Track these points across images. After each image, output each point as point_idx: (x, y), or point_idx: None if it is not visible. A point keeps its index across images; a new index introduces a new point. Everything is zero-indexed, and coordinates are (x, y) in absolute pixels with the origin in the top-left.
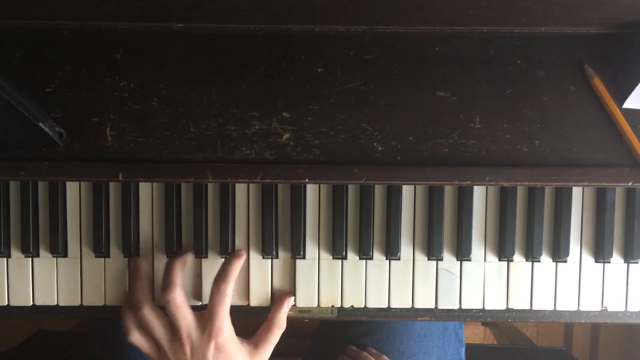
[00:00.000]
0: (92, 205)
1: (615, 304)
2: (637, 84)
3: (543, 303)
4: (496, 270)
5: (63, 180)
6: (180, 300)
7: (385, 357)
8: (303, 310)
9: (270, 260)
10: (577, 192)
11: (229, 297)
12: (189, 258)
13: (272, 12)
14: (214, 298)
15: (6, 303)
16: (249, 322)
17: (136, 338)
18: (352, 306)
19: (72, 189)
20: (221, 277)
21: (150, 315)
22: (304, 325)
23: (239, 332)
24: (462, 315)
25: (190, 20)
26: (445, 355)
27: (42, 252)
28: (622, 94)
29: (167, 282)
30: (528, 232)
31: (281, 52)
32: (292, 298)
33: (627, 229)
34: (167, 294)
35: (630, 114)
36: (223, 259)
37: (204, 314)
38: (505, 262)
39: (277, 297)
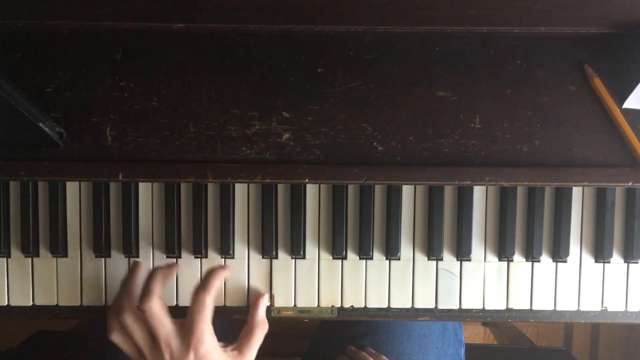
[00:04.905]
0: (92, 205)
1: (615, 304)
2: (637, 84)
3: (543, 303)
4: (496, 270)
5: (63, 180)
6: (156, 310)
7: (384, 357)
8: (303, 310)
9: (270, 260)
10: (577, 192)
11: (209, 307)
12: (175, 271)
13: (272, 12)
14: (194, 307)
15: (6, 303)
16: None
17: (117, 338)
18: (352, 306)
19: (72, 189)
20: (202, 287)
21: (130, 320)
22: (304, 325)
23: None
24: (462, 315)
25: (190, 20)
26: (444, 356)
27: (42, 252)
28: (622, 94)
29: (145, 291)
30: (528, 232)
31: (281, 52)
32: (267, 296)
33: (627, 229)
34: (143, 303)
35: (630, 114)
36: (223, 259)
37: (185, 322)
38: (505, 262)
39: (281, 298)
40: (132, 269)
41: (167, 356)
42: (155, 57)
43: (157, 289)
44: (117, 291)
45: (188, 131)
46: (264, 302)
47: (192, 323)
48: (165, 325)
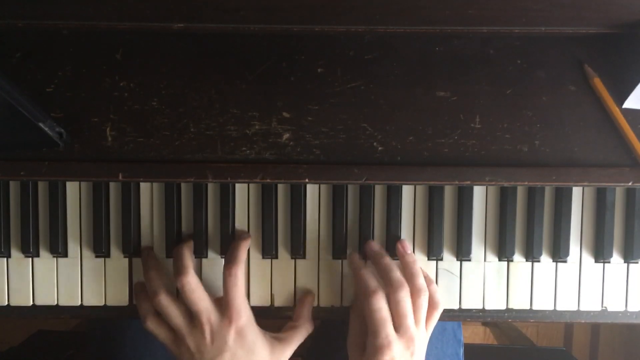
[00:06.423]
0: (92, 205)
1: (615, 304)
2: (637, 84)
3: (543, 303)
4: (496, 270)
5: (63, 180)
6: (195, 283)
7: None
8: None
9: (270, 260)
10: (577, 192)
11: (242, 279)
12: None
13: (272, 12)
14: (227, 281)
15: (6, 303)
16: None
17: (152, 325)
18: None
19: (72, 189)
20: (230, 260)
21: (166, 302)
22: None
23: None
24: (462, 315)
25: (190, 20)
26: (444, 356)
27: (42, 252)
28: (622, 94)
29: (178, 267)
30: (528, 232)
31: (281, 52)
32: (314, 296)
33: (627, 229)
34: (181, 278)
35: (630, 114)
36: (223, 259)
37: (220, 299)
38: (505, 262)
39: (281, 298)
40: (148, 256)
41: (207, 332)
42: (155, 57)
43: (190, 263)
44: (145, 280)
45: (188, 131)
46: (310, 300)
47: (228, 297)
48: (204, 299)
